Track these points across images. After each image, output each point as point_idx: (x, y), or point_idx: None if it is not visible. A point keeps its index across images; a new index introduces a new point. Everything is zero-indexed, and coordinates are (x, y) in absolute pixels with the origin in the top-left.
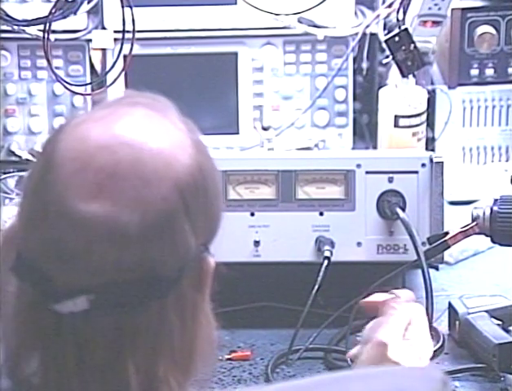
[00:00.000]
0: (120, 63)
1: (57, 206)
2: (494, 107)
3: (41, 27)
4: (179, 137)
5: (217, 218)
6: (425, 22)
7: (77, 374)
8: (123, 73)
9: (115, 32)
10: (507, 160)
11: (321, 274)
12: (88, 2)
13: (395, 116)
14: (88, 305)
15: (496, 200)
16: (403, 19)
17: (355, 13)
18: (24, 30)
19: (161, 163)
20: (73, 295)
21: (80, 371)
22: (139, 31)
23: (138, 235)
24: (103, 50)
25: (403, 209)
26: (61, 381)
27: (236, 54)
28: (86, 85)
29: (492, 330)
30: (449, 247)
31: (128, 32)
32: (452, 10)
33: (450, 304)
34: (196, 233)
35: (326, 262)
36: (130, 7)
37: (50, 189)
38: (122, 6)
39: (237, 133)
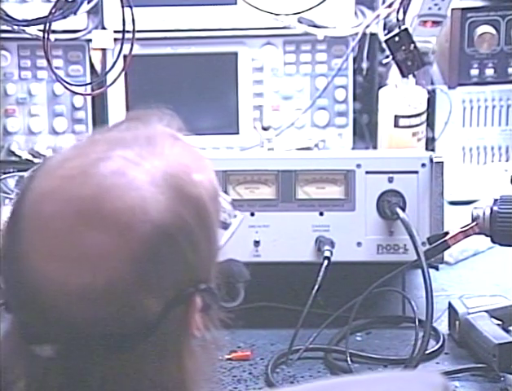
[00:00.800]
0: (120, 63)
1: (21, 263)
2: (494, 107)
3: (41, 27)
4: (149, 194)
5: (202, 263)
6: (425, 22)
7: None
8: (123, 73)
9: (115, 32)
10: (507, 160)
11: (321, 274)
12: (88, 2)
13: (395, 116)
14: (53, 354)
15: (496, 200)
16: (403, 19)
17: (355, 13)
18: (24, 30)
19: (114, 230)
20: (40, 342)
21: None
22: (139, 31)
23: (89, 295)
24: (103, 50)
25: (403, 209)
26: None
27: (236, 54)
28: (86, 85)
29: (492, 330)
30: (449, 247)
31: (128, 32)
32: (452, 10)
33: (450, 304)
34: (162, 292)
35: (326, 262)
36: (130, 7)
37: (16, 244)
38: (122, 6)
39: (237, 133)
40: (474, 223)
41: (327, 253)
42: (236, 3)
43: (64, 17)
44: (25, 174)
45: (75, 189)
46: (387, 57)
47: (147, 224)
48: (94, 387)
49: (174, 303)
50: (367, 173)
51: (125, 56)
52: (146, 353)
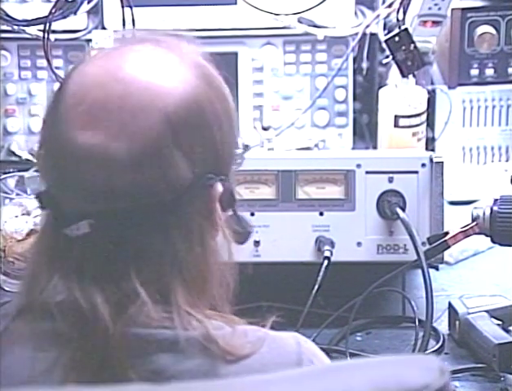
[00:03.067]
0: None
1: (60, 137)
2: (494, 107)
3: (41, 27)
4: (180, 71)
5: (224, 151)
6: (425, 22)
7: (80, 289)
8: None
9: (115, 32)
10: (507, 160)
11: (321, 274)
12: (88, 2)
13: (395, 116)
14: (89, 229)
15: (496, 200)
16: (403, 19)
17: (355, 13)
18: (24, 30)
19: (148, 96)
20: (76, 219)
21: (82, 284)
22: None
23: (126, 161)
24: None
25: (403, 209)
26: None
27: (236, 54)
28: None
29: (492, 330)
30: (449, 247)
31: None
32: (452, 10)
33: (450, 304)
34: (193, 162)
35: (326, 262)
36: (130, 7)
37: (56, 122)
38: (122, 6)
39: None
40: (474, 223)
41: (327, 253)
42: (236, 3)
43: (64, 17)
44: (26, 174)
45: (113, 66)
46: (387, 57)
47: (180, 91)
48: (129, 259)
49: (200, 178)
50: (367, 173)
51: None
52: (174, 227)
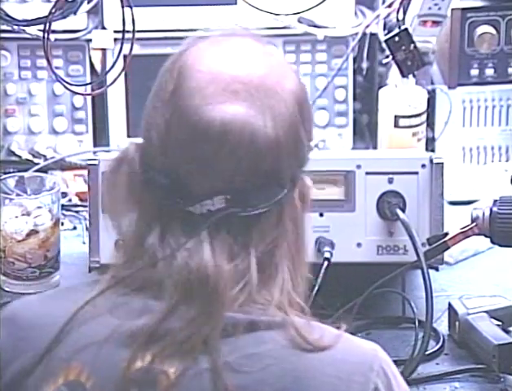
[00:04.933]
0: (120, 63)
1: (195, 113)
2: (494, 107)
3: (41, 27)
4: (280, 58)
5: (307, 147)
6: (425, 22)
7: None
8: (123, 73)
9: (115, 32)
10: (507, 160)
11: (321, 274)
12: (88, 2)
13: (395, 116)
14: (224, 204)
15: (495, 201)
16: (403, 19)
17: (355, 13)
18: (24, 30)
19: (277, 77)
20: (211, 196)
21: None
22: (139, 31)
23: (271, 139)
24: (103, 50)
25: (403, 210)
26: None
27: None
28: (86, 85)
29: (491, 330)
30: (449, 247)
31: (128, 32)
32: (452, 10)
33: (450, 304)
34: (309, 145)
35: (326, 263)
36: (130, 7)
37: (186, 98)
38: (122, 6)
39: None
40: (474, 224)
41: (327, 254)
42: (236, 3)
43: (64, 17)
44: (26, 174)
45: (233, 50)
46: (387, 57)
47: (294, 74)
48: (252, 234)
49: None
50: (367, 173)
51: (125, 56)
52: (286, 214)
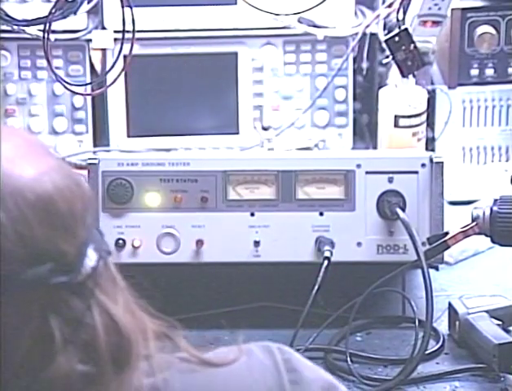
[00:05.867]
0: (120, 63)
1: None
2: (494, 107)
3: (41, 27)
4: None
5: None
6: (425, 22)
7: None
8: (123, 73)
9: (115, 32)
10: (507, 160)
11: (321, 274)
12: (88, 2)
13: (395, 116)
14: None
15: (495, 201)
16: (403, 19)
17: (355, 13)
18: (24, 30)
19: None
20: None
21: None
22: (139, 31)
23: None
24: (103, 50)
25: (403, 209)
26: None
27: (236, 54)
28: (86, 85)
29: (492, 330)
30: (449, 247)
31: (128, 32)
32: (452, 10)
33: (450, 304)
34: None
35: (326, 262)
36: (130, 7)
37: None
38: (122, 6)
39: (237, 133)
40: (474, 223)
41: (327, 253)
42: (236, 3)
43: (64, 17)
44: None
45: None
46: (387, 57)
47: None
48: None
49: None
50: (367, 173)
51: (125, 56)
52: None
